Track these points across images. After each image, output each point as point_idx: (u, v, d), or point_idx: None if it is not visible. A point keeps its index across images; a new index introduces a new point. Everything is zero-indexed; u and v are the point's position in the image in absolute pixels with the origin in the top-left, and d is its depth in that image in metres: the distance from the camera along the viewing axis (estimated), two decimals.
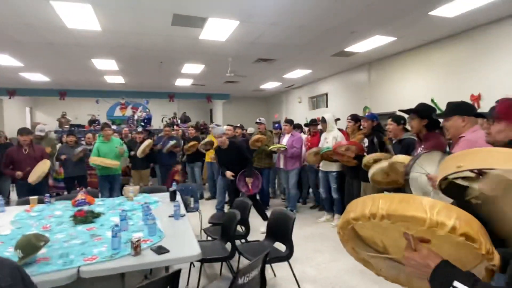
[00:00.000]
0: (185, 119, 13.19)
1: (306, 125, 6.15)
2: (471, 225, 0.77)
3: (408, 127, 3.39)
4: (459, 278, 0.76)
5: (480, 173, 1.18)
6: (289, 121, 5.58)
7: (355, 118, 4.72)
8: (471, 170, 1.14)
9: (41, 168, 4.13)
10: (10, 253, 2.06)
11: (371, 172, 3.09)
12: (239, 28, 5.28)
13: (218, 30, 5.40)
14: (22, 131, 4.35)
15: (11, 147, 4.93)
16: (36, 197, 3.55)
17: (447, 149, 3.10)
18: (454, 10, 4.65)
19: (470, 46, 5.57)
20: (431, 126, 2.82)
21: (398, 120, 3.43)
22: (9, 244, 2.25)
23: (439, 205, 0.79)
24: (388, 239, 0.98)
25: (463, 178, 1.21)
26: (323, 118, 5.03)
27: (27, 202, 3.54)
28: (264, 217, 4.53)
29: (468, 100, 5.22)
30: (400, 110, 3.06)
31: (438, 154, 1.91)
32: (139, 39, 5.89)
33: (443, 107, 3.36)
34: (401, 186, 2.85)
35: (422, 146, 2.78)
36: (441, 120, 2.58)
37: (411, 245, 0.85)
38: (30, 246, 1.91)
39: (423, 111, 2.78)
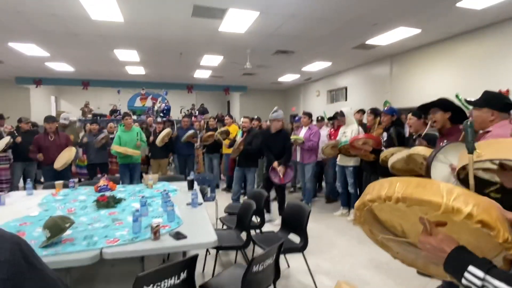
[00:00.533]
0: (203, 111, 13.31)
1: (329, 118, 6.09)
2: (489, 212, 0.76)
3: (428, 122, 3.30)
4: (474, 262, 0.75)
5: (502, 165, 1.14)
6: (308, 114, 5.55)
7: (374, 112, 4.65)
8: (492, 162, 1.11)
9: (67, 155, 4.31)
10: (38, 233, 2.18)
11: (391, 161, 3.04)
12: (259, 19, 5.26)
13: (238, 21, 5.39)
14: (48, 119, 4.54)
15: (37, 134, 5.15)
16: (61, 181, 3.72)
17: None
18: (483, 2, 4.47)
19: (498, 39, 5.32)
20: (454, 119, 2.73)
21: (419, 114, 3.35)
22: (38, 224, 2.38)
23: (457, 190, 0.78)
24: (407, 223, 0.98)
25: (484, 170, 1.18)
26: (341, 112, 4.97)
27: (52, 186, 3.71)
28: (281, 211, 4.58)
29: None
30: (419, 108, 2.97)
31: (463, 146, 1.86)
32: (160, 30, 5.97)
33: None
34: (420, 176, 2.81)
35: (444, 141, 2.70)
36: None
37: (427, 229, 0.85)
38: (56, 227, 2.01)
39: (445, 104, 2.69)
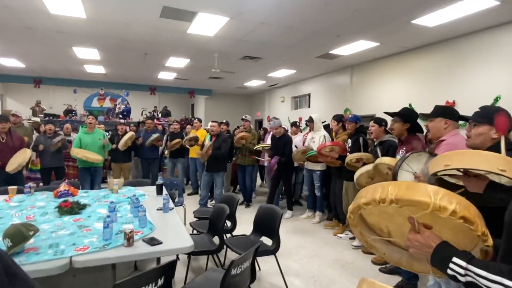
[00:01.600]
0: (166, 113, 13.00)
1: (292, 124, 6.30)
2: (469, 210, 0.88)
3: (389, 129, 3.57)
4: (457, 255, 0.87)
5: (466, 173, 1.31)
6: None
7: (338, 119, 4.88)
8: (458, 169, 1.26)
9: (21, 157, 3.98)
10: None
11: (356, 175, 3.23)
12: (228, 24, 5.30)
13: (207, 25, 5.38)
14: (1, 119, 4.17)
15: None
16: (15, 187, 3.43)
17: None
18: (434, 20, 4.90)
19: (447, 55, 5.88)
20: (412, 129, 3.01)
21: (379, 122, 3.60)
22: None
23: (442, 191, 0.89)
24: (393, 224, 1.09)
25: (450, 175, 1.33)
26: (310, 117, 5.15)
27: (5, 192, 3.41)
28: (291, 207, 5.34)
29: None
30: (385, 113, 3.22)
31: (425, 155, 2.05)
32: (125, 30, 5.76)
33: (420, 112, 3.58)
34: None
35: (404, 148, 2.95)
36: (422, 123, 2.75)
37: (415, 228, 0.96)
38: (19, 235, 1.87)
39: (407, 116, 2.96)
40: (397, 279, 3.07)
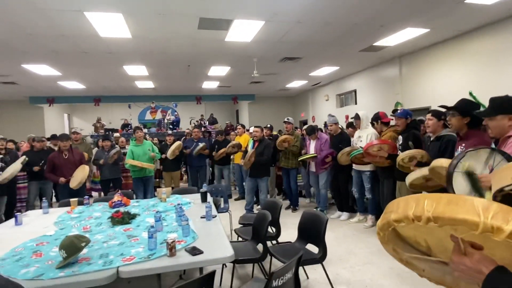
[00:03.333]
0: (213, 121, 13.38)
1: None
2: None
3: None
4: None
5: None
6: (309, 132, 5.42)
7: (375, 118, 4.57)
8: None
9: (81, 174, 4.35)
10: (55, 252, 2.18)
11: (409, 179, 2.93)
12: (264, 27, 5.27)
13: (243, 31, 5.41)
14: (62, 137, 4.61)
15: (52, 152, 5.22)
16: (76, 199, 3.74)
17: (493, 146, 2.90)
18: None
19: (510, 34, 5.18)
20: (473, 123, 2.65)
21: (438, 115, 3.22)
22: (54, 244, 2.38)
23: (494, 206, 0.71)
24: (432, 239, 0.91)
25: None
26: (356, 114, 4.85)
27: (68, 204, 3.73)
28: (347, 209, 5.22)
29: (510, 93, 4.86)
30: (440, 106, 2.89)
31: (485, 151, 1.75)
32: (167, 44, 6.04)
33: (482, 100, 3.14)
34: (441, 188, 2.70)
35: (463, 145, 2.61)
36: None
37: (460, 248, 0.78)
38: (73, 246, 2.00)
39: (465, 108, 2.61)
40: None
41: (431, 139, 3.26)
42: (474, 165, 1.74)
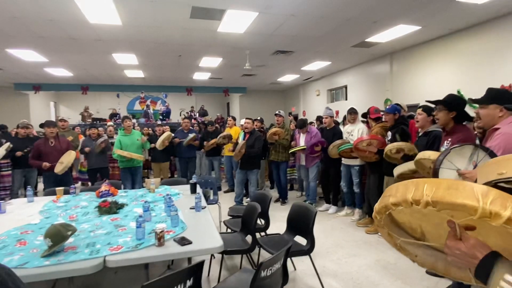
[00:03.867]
0: (203, 113, 13.29)
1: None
2: None
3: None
4: (510, 270, 0.70)
5: None
6: (300, 125, 5.45)
7: (364, 115, 4.63)
8: None
9: (67, 158, 4.26)
10: (40, 241, 2.14)
11: (396, 172, 3.00)
12: (258, 19, 5.22)
13: (236, 22, 5.35)
14: (49, 124, 4.50)
15: (38, 140, 5.10)
16: (62, 188, 3.67)
17: (477, 142, 2.97)
18: None
19: (500, 34, 5.28)
20: (459, 118, 2.71)
21: (429, 110, 3.27)
22: (39, 232, 2.34)
23: (493, 192, 0.72)
24: (427, 225, 0.93)
25: (506, 181, 1.13)
26: (353, 109, 4.84)
27: (53, 193, 3.66)
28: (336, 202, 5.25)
29: None
30: (427, 101, 2.94)
31: (469, 148, 1.80)
32: (158, 33, 5.93)
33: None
34: None
35: (449, 139, 2.66)
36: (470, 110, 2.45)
37: (455, 233, 0.80)
38: (58, 235, 1.96)
39: (452, 103, 2.66)
40: (446, 283, 2.80)
41: (419, 134, 3.32)
42: (459, 160, 1.78)
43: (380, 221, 0.96)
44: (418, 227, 0.97)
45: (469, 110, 2.88)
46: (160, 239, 2.06)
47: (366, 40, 6.57)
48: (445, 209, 0.76)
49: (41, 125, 6.36)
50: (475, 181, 1.72)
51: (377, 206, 0.93)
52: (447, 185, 0.76)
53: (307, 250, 2.70)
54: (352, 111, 4.81)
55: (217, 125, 7.19)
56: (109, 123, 8.60)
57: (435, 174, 1.90)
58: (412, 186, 0.82)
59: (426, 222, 0.92)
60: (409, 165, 2.86)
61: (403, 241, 1.00)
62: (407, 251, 1.04)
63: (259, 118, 6.31)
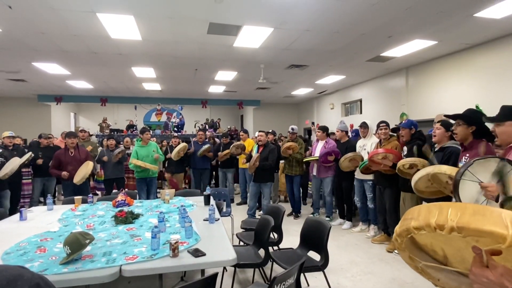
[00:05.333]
0: (212, 125, 13.45)
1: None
2: None
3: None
4: None
5: None
6: (322, 128, 5.50)
7: (388, 125, 4.55)
8: None
9: (85, 169, 4.38)
10: (59, 248, 2.20)
11: (414, 179, 2.91)
12: (273, 34, 5.32)
13: (252, 37, 5.47)
14: (70, 135, 4.66)
15: (58, 149, 5.28)
16: (80, 197, 3.76)
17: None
18: (503, 11, 4.37)
19: None
20: (478, 133, 2.65)
21: (447, 126, 3.21)
22: (58, 240, 2.40)
23: None
24: (450, 248, 0.90)
25: None
26: (364, 123, 4.83)
27: (72, 202, 3.75)
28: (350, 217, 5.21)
29: None
30: (446, 116, 2.89)
31: (494, 161, 1.76)
32: (176, 48, 6.11)
33: (489, 114, 3.14)
34: (445, 196, 2.68)
35: (467, 155, 2.61)
36: (490, 125, 2.40)
37: (481, 260, 0.76)
38: (77, 243, 2.01)
39: (471, 118, 2.61)
40: None
41: (436, 149, 3.25)
42: (482, 173, 1.73)
43: (401, 244, 0.93)
44: (441, 250, 0.94)
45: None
46: (174, 250, 2.08)
47: (381, 54, 6.57)
48: (471, 236, 0.73)
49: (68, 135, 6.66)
50: (498, 196, 1.67)
51: (398, 229, 0.91)
52: (473, 210, 0.73)
53: (321, 266, 2.66)
54: (363, 125, 4.79)
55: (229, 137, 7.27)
56: (126, 139, 8.66)
57: (455, 185, 1.85)
58: (435, 210, 0.79)
59: (449, 245, 0.89)
60: (427, 170, 2.75)
61: (425, 264, 0.97)
62: (429, 274, 1.00)
63: (270, 131, 6.35)
